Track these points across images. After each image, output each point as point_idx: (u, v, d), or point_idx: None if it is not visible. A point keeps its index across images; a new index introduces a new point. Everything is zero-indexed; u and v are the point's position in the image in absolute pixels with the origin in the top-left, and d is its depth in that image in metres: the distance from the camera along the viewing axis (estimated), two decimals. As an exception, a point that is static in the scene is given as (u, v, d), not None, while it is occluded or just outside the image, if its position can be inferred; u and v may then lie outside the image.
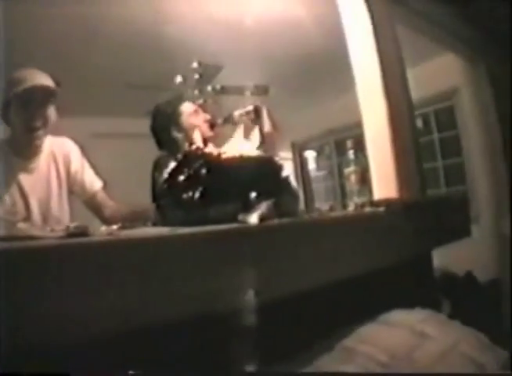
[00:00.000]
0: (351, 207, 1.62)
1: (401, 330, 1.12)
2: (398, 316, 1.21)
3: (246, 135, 1.62)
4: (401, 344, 1.07)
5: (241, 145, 1.37)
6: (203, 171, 1.08)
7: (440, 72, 4.47)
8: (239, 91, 4.00)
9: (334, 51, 3.00)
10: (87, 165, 2.06)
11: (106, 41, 3.83)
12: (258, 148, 1.37)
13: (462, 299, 2.91)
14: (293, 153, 6.95)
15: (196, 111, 2.08)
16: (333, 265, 1.11)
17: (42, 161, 1.92)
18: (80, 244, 0.74)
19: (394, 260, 1.33)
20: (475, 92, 4.04)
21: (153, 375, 0.89)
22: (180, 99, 2.14)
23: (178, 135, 2.03)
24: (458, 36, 3.53)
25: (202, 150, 1.18)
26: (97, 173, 2.09)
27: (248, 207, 1.03)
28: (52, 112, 1.90)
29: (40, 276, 0.66)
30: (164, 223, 1.10)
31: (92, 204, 2.05)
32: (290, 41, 4.01)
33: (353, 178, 1.69)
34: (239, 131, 1.54)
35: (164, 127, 2.04)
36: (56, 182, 1.93)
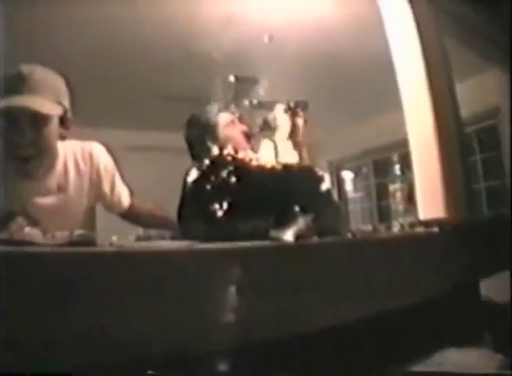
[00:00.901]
0: (395, 228, 1.46)
1: None
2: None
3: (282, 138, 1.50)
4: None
5: (276, 151, 1.23)
6: (233, 179, 0.95)
7: (484, 89, 4.28)
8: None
9: (377, 65, 2.88)
10: (118, 176, 1.83)
11: (143, 53, 3.79)
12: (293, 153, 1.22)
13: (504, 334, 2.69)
14: (330, 173, 6.80)
15: (232, 122, 1.97)
16: (379, 292, 0.96)
17: (59, 176, 1.62)
18: (76, 253, 0.62)
19: (442, 288, 1.18)
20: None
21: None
22: (216, 109, 2.04)
23: (213, 147, 1.91)
24: (506, 50, 3.35)
25: (232, 155, 1.04)
26: (125, 182, 1.88)
27: (283, 223, 0.89)
28: (49, 136, 1.50)
29: (30, 284, 0.56)
30: (185, 237, 0.96)
31: (131, 216, 1.88)
32: (329, 53, 3.89)
33: (399, 195, 1.54)
34: (277, 135, 1.40)
35: (199, 137, 1.93)
36: (81, 194, 1.68)
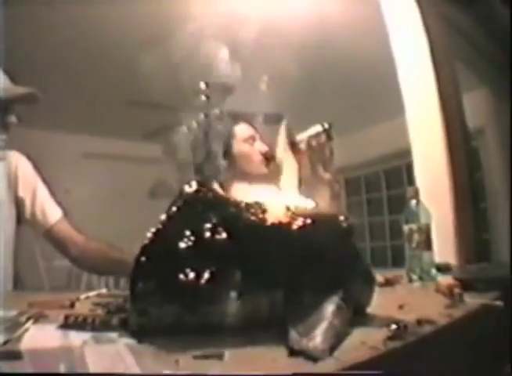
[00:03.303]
0: (416, 282, 1.20)
1: None
2: None
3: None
4: None
5: (291, 194, 0.90)
6: (222, 235, 0.60)
7: (469, 109, 4.09)
8: (249, 118, 3.58)
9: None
10: (42, 187, 1.57)
11: (108, 55, 3.66)
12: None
13: None
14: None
15: (252, 138, 1.63)
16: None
17: None
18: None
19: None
20: (502, 134, 3.66)
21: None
22: (235, 118, 1.69)
23: (222, 162, 1.58)
24: (499, 67, 3.16)
25: (219, 194, 0.67)
26: (55, 199, 1.60)
27: (297, 305, 0.55)
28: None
29: None
30: (137, 323, 0.59)
31: (52, 239, 1.56)
32: (312, 64, 3.65)
33: (416, 237, 1.25)
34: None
35: (207, 148, 1.59)
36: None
